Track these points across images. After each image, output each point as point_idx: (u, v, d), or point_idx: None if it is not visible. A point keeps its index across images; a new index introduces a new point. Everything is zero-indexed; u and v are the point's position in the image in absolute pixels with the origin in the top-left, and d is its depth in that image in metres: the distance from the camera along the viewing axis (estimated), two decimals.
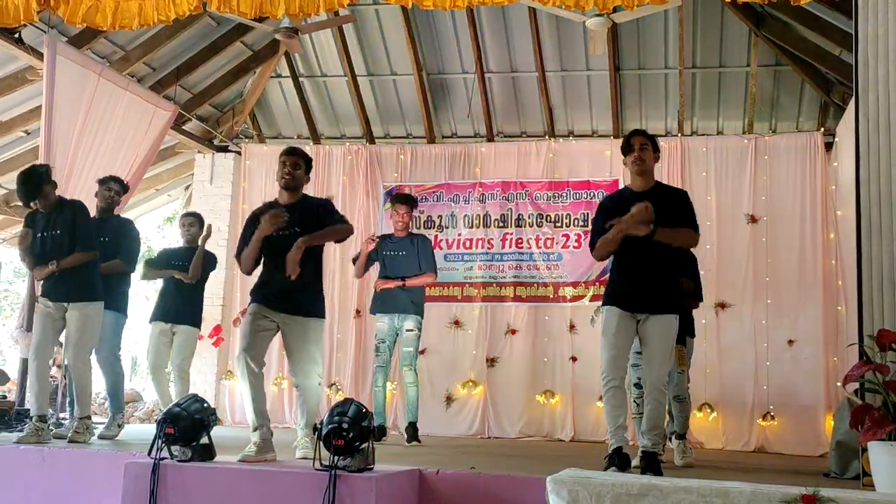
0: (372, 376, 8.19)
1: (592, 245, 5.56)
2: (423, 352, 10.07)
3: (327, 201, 6.31)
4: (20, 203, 11.40)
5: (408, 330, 7.80)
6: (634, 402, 6.50)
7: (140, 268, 7.77)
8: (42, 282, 6.55)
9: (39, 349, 6.43)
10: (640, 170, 5.44)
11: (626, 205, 5.29)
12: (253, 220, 5.57)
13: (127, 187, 7.95)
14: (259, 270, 5.67)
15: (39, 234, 6.41)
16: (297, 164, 5.60)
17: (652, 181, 5.50)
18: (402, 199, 8.10)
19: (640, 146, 5.44)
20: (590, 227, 8.20)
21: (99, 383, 7.63)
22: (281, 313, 5.48)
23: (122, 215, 7.88)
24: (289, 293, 5.45)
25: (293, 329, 5.51)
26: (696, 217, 5.47)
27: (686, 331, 6.82)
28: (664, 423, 5.77)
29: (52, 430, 6.40)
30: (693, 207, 5.50)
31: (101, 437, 6.84)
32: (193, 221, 8.05)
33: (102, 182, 7.42)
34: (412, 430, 7.77)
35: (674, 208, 5.37)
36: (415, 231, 8.69)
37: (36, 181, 6.39)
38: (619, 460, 5.17)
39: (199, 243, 7.88)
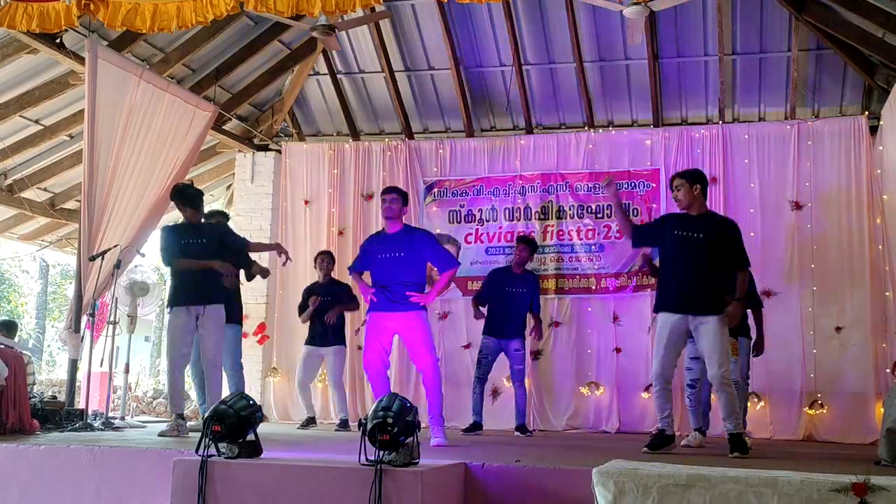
0: (472, 383, 8.92)
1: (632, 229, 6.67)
2: (467, 346, 10.14)
3: (427, 232, 7.34)
4: (65, 206, 11.64)
5: (515, 350, 8.68)
6: (688, 398, 7.08)
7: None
8: (182, 291, 7.00)
9: (178, 358, 7.00)
10: (680, 206, 6.33)
11: (672, 225, 6.35)
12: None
13: (228, 217, 9.03)
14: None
15: (184, 241, 7.05)
16: (395, 200, 6.69)
17: (702, 209, 6.31)
18: (519, 240, 9.20)
19: (675, 188, 6.32)
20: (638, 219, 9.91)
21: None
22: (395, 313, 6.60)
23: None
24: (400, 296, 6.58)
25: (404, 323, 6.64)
26: (743, 248, 6.26)
27: (741, 331, 7.15)
28: (739, 408, 6.46)
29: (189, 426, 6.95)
30: (741, 238, 6.30)
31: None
32: (330, 260, 9.40)
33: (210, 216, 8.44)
34: (523, 430, 8.68)
35: (721, 238, 6.16)
36: (528, 268, 9.20)
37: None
38: (656, 440, 6.15)
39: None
